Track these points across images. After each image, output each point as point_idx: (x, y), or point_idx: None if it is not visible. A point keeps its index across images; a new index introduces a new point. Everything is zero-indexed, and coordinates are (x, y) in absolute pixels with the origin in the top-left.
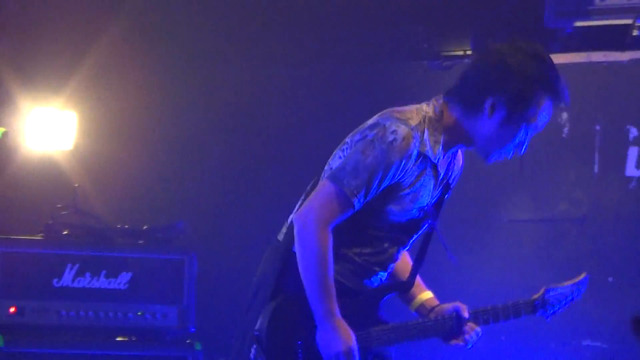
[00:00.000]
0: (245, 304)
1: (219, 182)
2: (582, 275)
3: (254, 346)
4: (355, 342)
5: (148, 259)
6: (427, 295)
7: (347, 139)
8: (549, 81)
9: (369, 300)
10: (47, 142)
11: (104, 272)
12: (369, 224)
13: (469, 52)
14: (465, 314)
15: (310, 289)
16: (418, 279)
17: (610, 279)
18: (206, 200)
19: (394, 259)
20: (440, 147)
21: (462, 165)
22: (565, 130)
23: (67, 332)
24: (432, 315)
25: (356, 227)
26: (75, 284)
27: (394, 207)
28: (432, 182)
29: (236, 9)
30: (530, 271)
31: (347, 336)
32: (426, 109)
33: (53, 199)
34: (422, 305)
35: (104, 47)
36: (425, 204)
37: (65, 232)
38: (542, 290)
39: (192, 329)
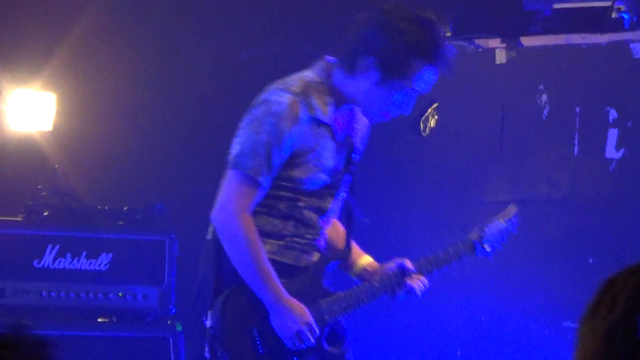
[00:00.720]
0: (192, 308)
1: (200, 164)
2: (513, 209)
3: (207, 346)
4: (310, 315)
5: (128, 240)
6: (366, 259)
7: (240, 124)
8: (425, 48)
9: (312, 274)
10: (27, 123)
11: (84, 252)
12: (285, 198)
13: (448, 34)
14: (409, 266)
15: (250, 278)
16: (355, 246)
17: (590, 260)
18: (187, 182)
19: (321, 226)
20: (331, 108)
21: (368, 125)
22: (545, 112)
23: (48, 313)
24: (376, 276)
25: (274, 204)
26: (56, 265)
27: (301, 176)
28: (332, 144)
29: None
30: (509, 253)
31: (301, 312)
32: (308, 74)
33: (33, 180)
34: (364, 269)
35: (83, 27)
36: (331, 167)
37: (45, 213)
38: (476, 229)
39: (173, 310)
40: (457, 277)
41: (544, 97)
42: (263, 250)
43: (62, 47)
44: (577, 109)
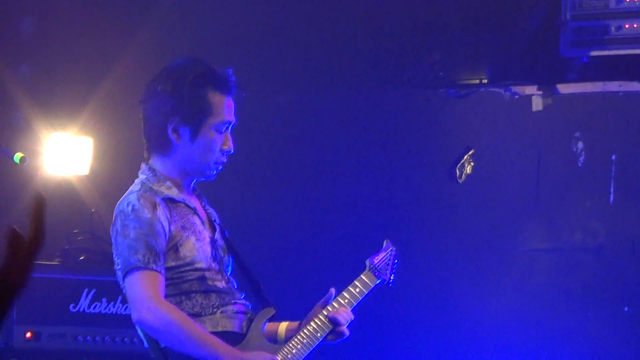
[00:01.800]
0: None
1: (233, 207)
2: (387, 242)
3: None
4: (269, 354)
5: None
6: (286, 322)
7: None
8: (204, 79)
9: (255, 334)
10: (64, 167)
11: (120, 297)
12: (192, 277)
13: (485, 81)
14: (329, 300)
15: (199, 352)
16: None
17: (625, 308)
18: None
19: (236, 290)
20: (175, 190)
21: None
22: (581, 159)
23: (84, 358)
24: (306, 323)
25: (188, 287)
26: (92, 309)
27: (192, 254)
28: (197, 217)
29: (255, 34)
30: (545, 301)
31: (262, 355)
32: (140, 177)
33: (70, 224)
34: (288, 330)
35: (119, 73)
36: (210, 239)
37: (81, 258)
38: (367, 263)
39: None
40: (490, 327)
41: (580, 145)
42: (196, 323)
43: (99, 92)
44: (613, 157)
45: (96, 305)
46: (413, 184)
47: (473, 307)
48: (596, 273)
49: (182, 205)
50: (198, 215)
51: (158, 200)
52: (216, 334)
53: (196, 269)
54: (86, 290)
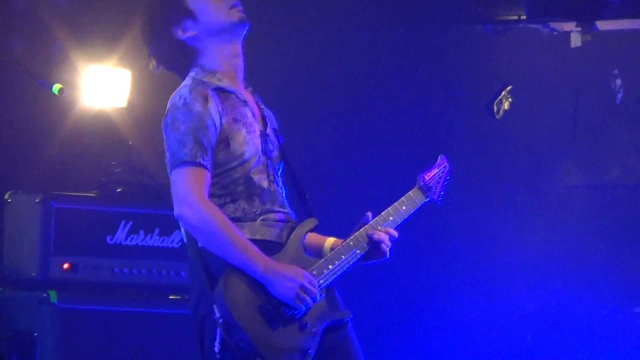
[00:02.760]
0: (191, 309)
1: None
2: (439, 158)
3: (218, 338)
4: (303, 271)
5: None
6: (332, 238)
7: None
8: None
9: (294, 246)
10: (102, 100)
11: (157, 230)
12: (239, 178)
13: (523, 17)
14: (370, 217)
15: (234, 258)
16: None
17: None
18: None
19: (281, 197)
20: (226, 80)
21: (274, 118)
22: (619, 96)
23: (120, 290)
24: (347, 240)
25: (234, 189)
26: (129, 242)
27: (241, 148)
28: (248, 109)
29: None
30: (583, 237)
31: (294, 270)
32: (190, 74)
33: (107, 157)
34: (333, 247)
35: None
36: (260, 132)
37: (119, 190)
38: (419, 179)
39: None
40: (527, 262)
41: (618, 82)
42: (235, 227)
43: (137, 24)
44: None
45: (133, 237)
46: (451, 119)
47: (510, 242)
48: (633, 210)
49: (234, 96)
50: (249, 107)
51: (210, 92)
52: (254, 241)
53: (244, 163)
54: (123, 222)
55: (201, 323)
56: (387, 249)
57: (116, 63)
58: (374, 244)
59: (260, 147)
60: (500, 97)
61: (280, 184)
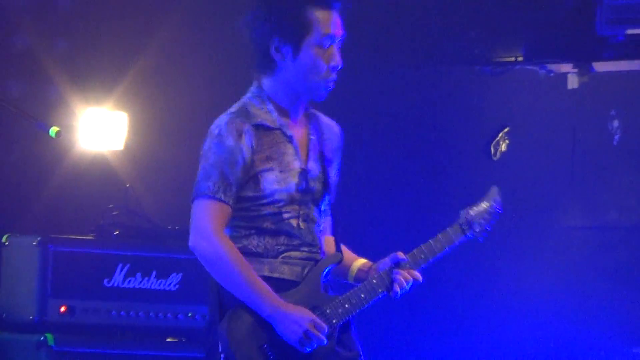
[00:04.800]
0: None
1: None
2: (494, 190)
3: None
4: (312, 314)
5: (197, 260)
6: (360, 261)
7: None
8: None
9: (310, 283)
10: (99, 142)
11: (154, 272)
12: (269, 214)
13: (520, 59)
14: (402, 257)
15: (242, 294)
16: (347, 250)
17: None
18: None
19: (315, 236)
20: (275, 115)
21: (339, 134)
22: (616, 137)
23: (117, 333)
24: (373, 274)
25: (261, 223)
26: (126, 284)
27: (273, 185)
28: (291, 146)
29: None
30: (581, 278)
31: (302, 312)
32: (247, 95)
33: (104, 199)
34: (359, 270)
35: (154, 48)
36: (301, 170)
37: (116, 232)
38: (461, 214)
39: None
40: (526, 302)
41: (616, 123)
42: (247, 264)
43: (134, 67)
44: None
45: (130, 280)
46: (448, 160)
47: (509, 284)
48: (631, 251)
49: (277, 132)
50: (293, 144)
51: (246, 128)
52: (269, 279)
53: (273, 203)
54: (120, 264)
55: (208, 355)
56: (400, 292)
57: (113, 106)
58: (394, 285)
59: (295, 187)
60: (497, 138)
61: (317, 219)
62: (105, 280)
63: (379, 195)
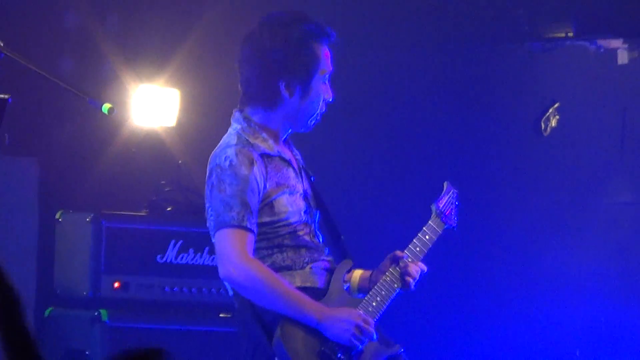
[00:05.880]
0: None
1: (320, 157)
2: (445, 185)
3: None
4: (357, 310)
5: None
6: (358, 271)
7: (205, 201)
8: (310, 33)
9: (337, 289)
10: (152, 119)
11: (207, 248)
12: (286, 232)
13: (570, 34)
14: (401, 254)
15: (286, 309)
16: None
17: None
18: None
19: (323, 246)
20: (271, 142)
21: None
22: None
23: (170, 308)
24: (379, 275)
25: (281, 241)
26: (179, 260)
27: (286, 209)
28: (291, 170)
29: None
30: (629, 254)
31: (347, 313)
32: (233, 129)
33: (157, 176)
34: (361, 279)
35: (206, 25)
36: (302, 192)
37: (169, 209)
38: (432, 208)
39: None
40: (573, 279)
41: None
42: (283, 280)
43: (186, 44)
44: None
45: (183, 256)
46: (500, 136)
47: (558, 261)
48: None
49: (277, 158)
50: (292, 167)
51: (255, 156)
52: (303, 289)
53: (289, 224)
54: (173, 241)
55: None
56: (414, 283)
57: (165, 82)
58: (406, 277)
59: (303, 209)
60: (548, 114)
61: (318, 234)
62: (158, 256)
63: (425, 170)
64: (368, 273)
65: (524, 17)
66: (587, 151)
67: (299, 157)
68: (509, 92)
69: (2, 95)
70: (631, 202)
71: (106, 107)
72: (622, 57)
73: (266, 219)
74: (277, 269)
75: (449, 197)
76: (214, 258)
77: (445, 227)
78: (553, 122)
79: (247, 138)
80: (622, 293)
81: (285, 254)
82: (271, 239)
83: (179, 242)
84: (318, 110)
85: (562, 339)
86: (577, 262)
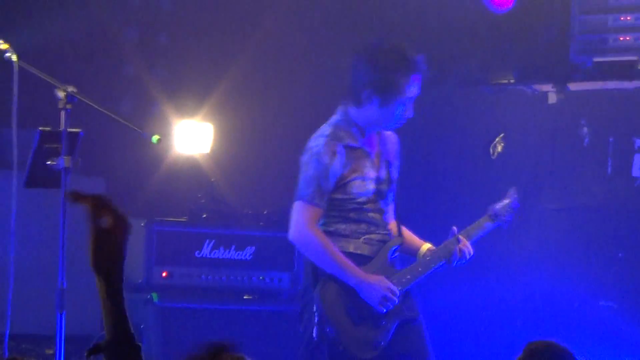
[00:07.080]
0: (300, 294)
1: None
2: (512, 190)
3: (315, 327)
4: (388, 282)
5: (267, 236)
6: (427, 245)
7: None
8: (402, 65)
9: (381, 259)
10: (190, 147)
11: (233, 246)
12: (353, 208)
13: (512, 81)
14: (456, 230)
15: (334, 271)
16: (414, 237)
17: (620, 254)
18: None
19: (386, 222)
20: (357, 135)
21: (396, 141)
22: (586, 140)
23: (206, 292)
24: (431, 252)
25: (347, 214)
26: (212, 255)
27: (357, 191)
28: (369, 161)
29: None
30: (558, 246)
31: (380, 281)
32: (334, 118)
33: (195, 190)
34: (428, 250)
35: (236, 71)
36: (375, 178)
37: (204, 215)
38: (489, 208)
39: (300, 288)
40: (518, 263)
41: (585, 130)
42: (335, 247)
43: (218, 87)
44: (611, 139)
45: (215, 252)
46: (458, 158)
47: (507, 249)
48: (597, 227)
49: (359, 150)
50: (370, 157)
51: (338, 148)
52: (352, 254)
53: (357, 202)
54: (207, 240)
55: (303, 308)
56: (459, 259)
57: (201, 118)
58: (460, 253)
59: (371, 191)
60: (494, 142)
61: (385, 209)
62: (196, 252)
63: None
64: (434, 249)
65: (476, 66)
66: (525, 170)
67: (386, 148)
68: (466, 124)
69: (75, 130)
70: (558, 208)
71: (155, 138)
72: (552, 98)
73: (339, 195)
74: (338, 235)
75: (508, 201)
76: (239, 253)
77: (494, 225)
78: (499, 148)
79: (338, 131)
80: (553, 276)
81: (347, 225)
82: (340, 211)
83: (212, 242)
84: (395, 122)
85: (508, 310)
86: (521, 250)
